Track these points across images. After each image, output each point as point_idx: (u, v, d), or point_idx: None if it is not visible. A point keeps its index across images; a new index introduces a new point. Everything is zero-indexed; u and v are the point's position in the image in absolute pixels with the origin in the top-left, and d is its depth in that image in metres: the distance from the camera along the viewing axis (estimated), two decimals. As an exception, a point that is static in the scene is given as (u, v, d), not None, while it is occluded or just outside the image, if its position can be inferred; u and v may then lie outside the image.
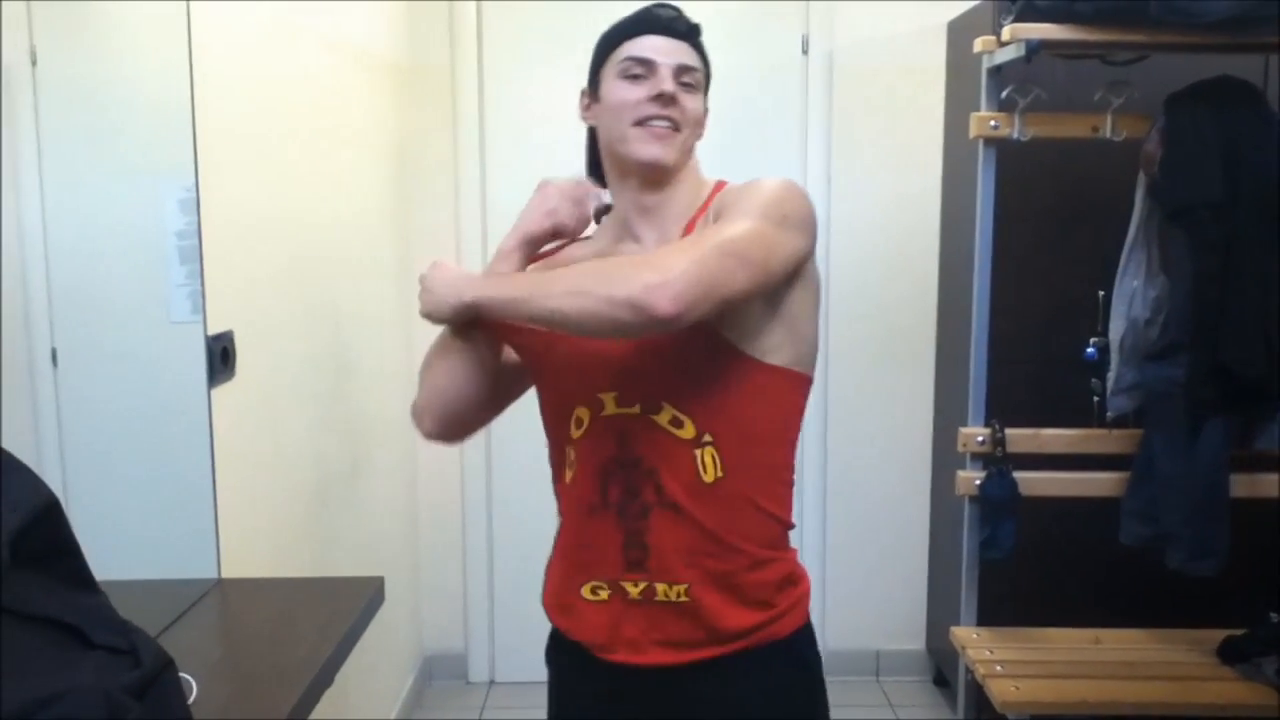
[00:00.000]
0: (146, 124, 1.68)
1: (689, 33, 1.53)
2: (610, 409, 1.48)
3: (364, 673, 2.83)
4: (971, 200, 2.67)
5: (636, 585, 1.48)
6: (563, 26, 3.40)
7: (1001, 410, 2.68)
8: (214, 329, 1.80)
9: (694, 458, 1.46)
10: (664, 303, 1.28)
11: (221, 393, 1.82)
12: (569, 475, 1.54)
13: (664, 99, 1.48)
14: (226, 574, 1.74)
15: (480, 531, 3.62)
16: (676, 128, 1.49)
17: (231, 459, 1.85)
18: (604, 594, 1.51)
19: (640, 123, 1.49)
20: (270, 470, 2.15)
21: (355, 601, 1.58)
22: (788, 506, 1.56)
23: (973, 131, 2.58)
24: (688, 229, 1.52)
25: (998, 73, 2.56)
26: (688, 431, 1.46)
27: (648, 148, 1.49)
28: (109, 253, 1.59)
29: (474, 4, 3.42)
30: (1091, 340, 2.62)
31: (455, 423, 1.62)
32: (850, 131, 3.43)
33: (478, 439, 3.51)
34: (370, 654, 2.85)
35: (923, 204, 3.43)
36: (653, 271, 1.31)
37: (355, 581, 1.70)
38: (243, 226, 2.00)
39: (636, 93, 1.49)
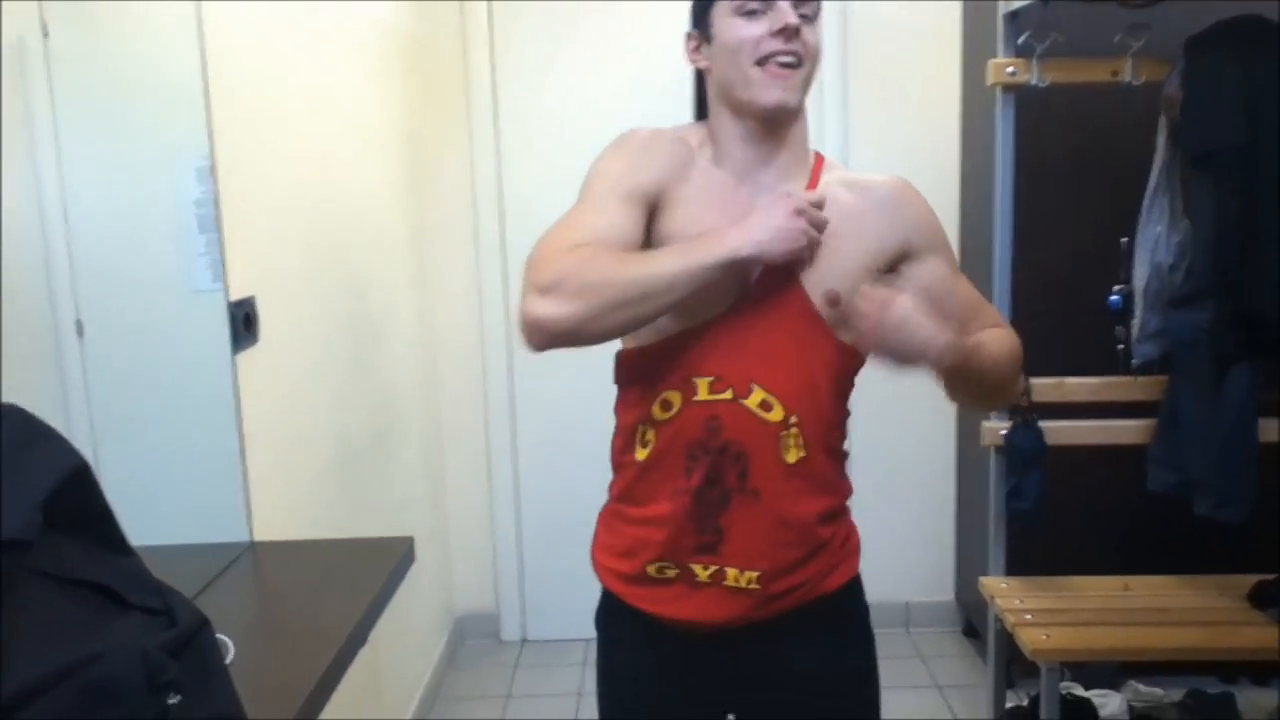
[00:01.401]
0: (161, 94, 1.68)
1: None
2: (703, 394, 1.46)
3: (397, 635, 2.87)
4: (991, 150, 2.64)
5: (706, 569, 1.48)
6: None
7: (1027, 360, 2.65)
8: (235, 295, 1.81)
9: (779, 440, 1.46)
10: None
11: (245, 358, 1.84)
12: (642, 453, 1.51)
13: (787, 33, 1.41)
14: (259, 538, 1.77)
15: (507, 492, 3.64)
16: (799, 63, 1.43)
17: (258, 423, 1.87)
18: (671, 573, 1.51)
19: (762, 61, 1.42)
20: (297, 434, 2.17)
21: (386, 561, 1.60)
22: (847, 479, 1.59)
23: (990, 79, 2.54)
24: (812, 182, 1.50)
25: (1014, 18, 2.52)
26: (776, 414, 1.45)
27: (770, 91, 1.43)
28: (129, 224, 1.60)
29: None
30: (1115, 288, 2.59)
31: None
32: (866, 84, 3.40)
33: (503, 400, 3.53)
34: (402, 617, 2.89)
35: (942, 155, 3.41)
36: None
37: (386, 542, 1.72)
38: (260, 194, 2.01)
39: (756, 29, 1.42)
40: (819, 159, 1.56)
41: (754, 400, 1.45)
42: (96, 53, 1.54)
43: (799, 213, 1.38)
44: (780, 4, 1.42)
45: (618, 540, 1.57)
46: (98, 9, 1.53)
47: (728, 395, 1.45)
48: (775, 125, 1.48)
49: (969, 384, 1.51)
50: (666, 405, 1.48)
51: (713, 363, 1.45)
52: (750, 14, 1.43)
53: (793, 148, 1.51)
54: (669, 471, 1.48)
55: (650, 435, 1.50)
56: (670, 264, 1.36)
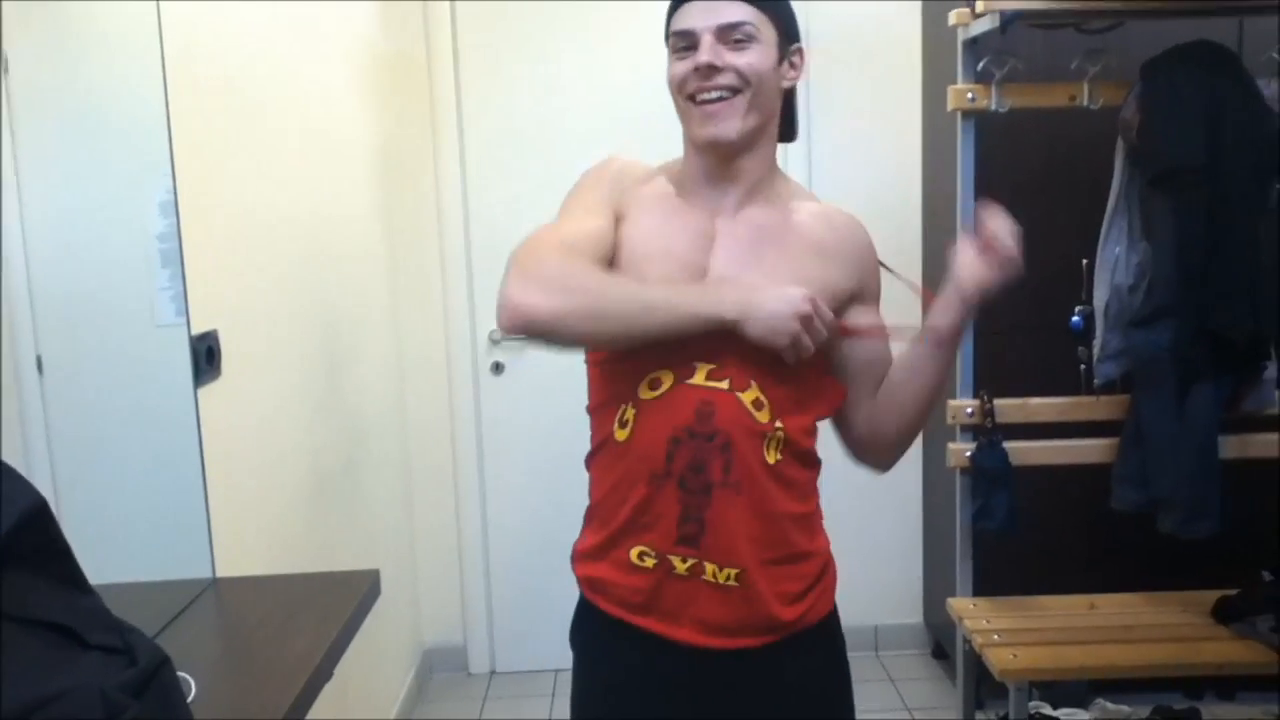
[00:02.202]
0: (123, 126, 1.66)
1: None
2: (699, 379, 1.45)
3: (365, 669, 2.83)
4: (953, 173, 2.67)
5: (685, 561, 1.47)
6: (538, 17, 3.40)
7: (990, 381, 2.69)
8: (198, 329, 1.79)
9: (763, 442, 1.46)
10: None
11: (208, 392, 1.82)
12: (622, 434, 1.49)
13: (702, 71, 1.43)
14: (222, 573, 1.74)
15: (475, 523, 3.62)
16: (734, 92, 1.44)
17: (222, 458, 1.84)
18: (650, 562, 1.49)
19: (692, 98, 1.46)
20: (262, 468, 2.15)
21: (351, 595, 1.58)
22: (816, 492, 1.61)
23: (951, 104, 2.58)
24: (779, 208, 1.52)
25: (974, 44, 2.56)
26: (764, 416, 1.46)
27: (703, 128, 1.46)
28: (91, 258, 1.57)
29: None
30: (1076, 308, 2.63)
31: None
32: (828, 108, 3.43)
33: (469, 429, 3.52)
34: (370, 650, 2.86)
35: (904, 179, 3.44)
36: None
37: (351, 575, 1.69)
38: (225, 226, 1.99)
39: (683, 67, 1.45)
40: (786, 178, 1.58)
41: (749, 396, 1.45)
42: (57, 85, 1.52)
43: (805, 318, 1.38)
44: (702, 40, 1.44)
45: (596, 532, 1.56)
46: (57, 41, 1.51)
47: (724, 385, 1.45)
48: (726, 155, 1.49)
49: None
50: (655, 384, 1.46)
51: (722, 351, 1.44)
52: (681, 51, 1.47)
53: (753, 172, 1.51)
54: (647, 455, 1.46)
55: (630, 414, 1.48)
56: (657, 295, 1.41)
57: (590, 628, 1.59)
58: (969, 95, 2.55)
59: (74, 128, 1.55)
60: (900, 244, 3.40)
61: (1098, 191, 2.58)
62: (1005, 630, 2.56)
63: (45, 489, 1.40)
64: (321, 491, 2.55)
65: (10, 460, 1.34)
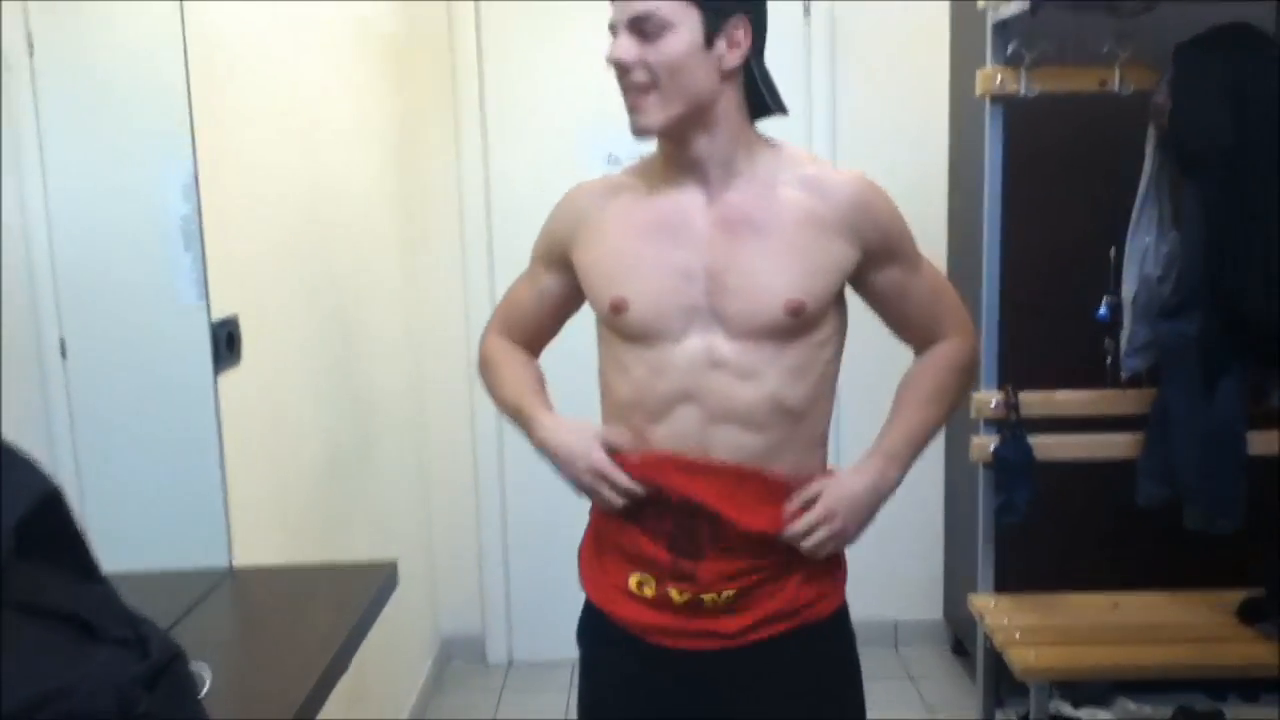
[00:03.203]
0: (147, 109, 1.66)
1: None
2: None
3: (382, 658, 2.82)
4: (979, 159, 2.63)
5: (682, 594, 1.49)
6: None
7: (1015, 373, 2.65)
8: (218, 314, 1.78)
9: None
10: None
11: (228, 378, 1.80)
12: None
13: (617, 67, 1.43)
14: (241, 560, 1.73)
15: (494, 513, 3.60)
16: (650, 85, 1.41)
17: (241, 446, 1.83)
18: (649, 591, 1.51)
19: (623, 92, 1.45)
20: (280, 456, 2.14)
21: (368, 587, 1.56)
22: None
23: (979, 89, 2.53)
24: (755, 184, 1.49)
25: (1003, 28, 2.52)
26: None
27: (631, 119, 1.45)
28: (115, 241, 1.58)
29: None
30: (1104, 299, 2.59)
31: None
32: (855, 93, 3.39)
33: (489, 417, 3.50)
34: (387, 639, 2.85)
35: (931, 165, 3.40)
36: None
37: (368, 567, 1.68)
38: (245, 211, 1.98)
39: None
40: (777, 151, 1.52)
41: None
42: (82, 67, 1.52)
43: (599, 478, 1.50)
44: (618, 32, 1.43)
45: (594, 554, 1.60)
46: (84, 22, 1.51)
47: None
48: (674, 140, 1.48)
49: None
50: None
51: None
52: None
53: (719, 153, 1.47)
54: (641, 505, 1.51)
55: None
56: (508, 405, 1.65)
57: (594, 634, 1.62)
58: (997, 79, 2.50)
59: (100, 109, 1.55)
60: (925, 231, 3.32)
61: (1127, 179, 2.53)
62: (1026, 628, 2.53)
63: (68, 474, 1.41)
64: (339, 480, 2.53)
65: (34, 444, 1.34)
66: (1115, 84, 2.48)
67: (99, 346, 1.50)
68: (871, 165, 3.27)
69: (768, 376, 1.46)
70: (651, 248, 1.48)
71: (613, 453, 1.51)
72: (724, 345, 1.45)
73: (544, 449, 1.57)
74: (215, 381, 1.73)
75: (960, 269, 3.19)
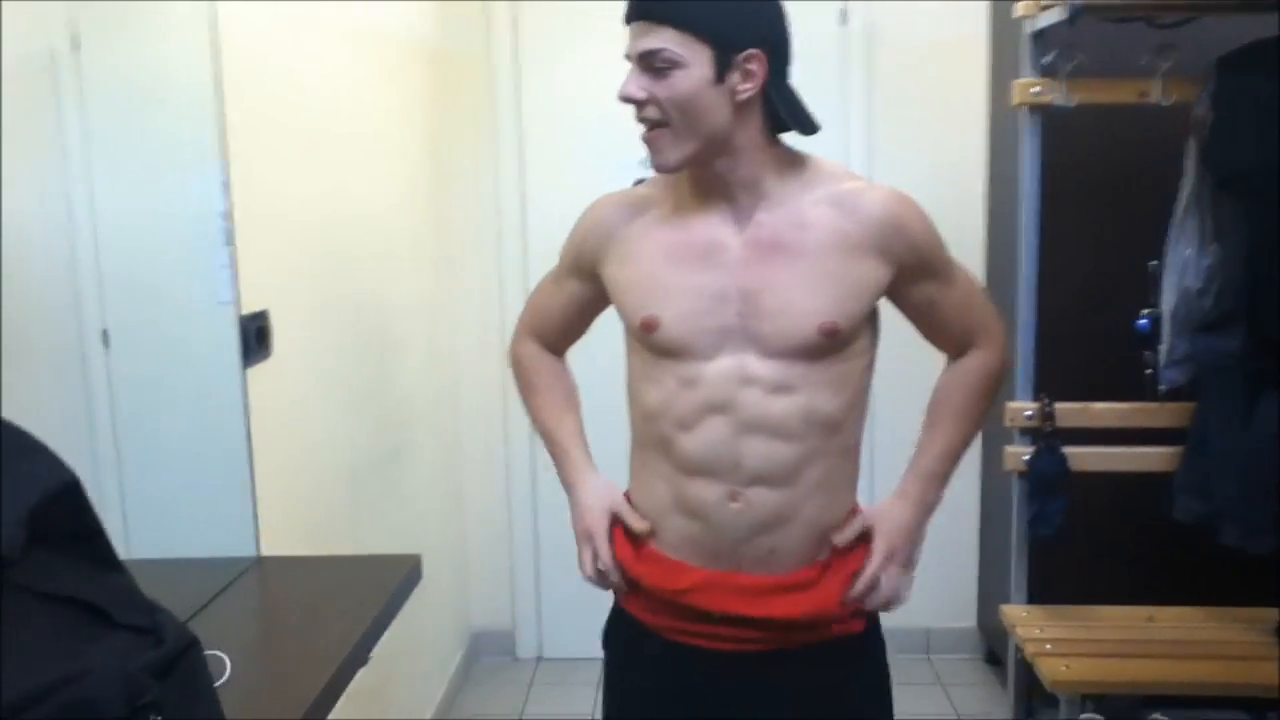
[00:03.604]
0: (186, 106, 1.69)
1: (645, 7, 1.40)
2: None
3: (412, 649, 2.85)
4: (1017, 171, 2.61)
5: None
6: (597, 11, 3.37)
7: (1051, 384, 2.63)
8: (250, 309, 1.81)
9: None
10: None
11: (258, 372, 1.83)
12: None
13: (634, 104, 1.42)
14: (269, 552, 1.76)
15: (525, 508, 3.63)
16: (663, 121, 1.41)
17: (270, 439, 1.86)
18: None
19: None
20: (309, 450, 2.17)
21: (391, 579, 1.58)
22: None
23: (1015, 99, 2.51)
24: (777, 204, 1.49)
25: (1041, 37, 2.49)
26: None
27: (650, 157, 1.46)
28: (155, 235, 1.61)
29: (510, -15, 3.41)
30: (1143, 312, 2.55)
31: None
32: (892, 103, 3.37)
33: (521, 418, 3.51)
34: (418, 632, 2.88)
35: (968, 176, 3.37)
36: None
37: (392, 559, 1.70)
38: (279, 210, 2.01)
39: None
40: (808, 168, 1.50)
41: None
42: (126, 64, 1.55)
43: (586, 541, 1.62)
44: (632, 67, 1.42)
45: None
46: (128, 20, 1.54)
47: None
48: (696, 168, 1.47)
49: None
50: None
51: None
52: None
53: (744, 178, 1.46)
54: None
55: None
56: (544, 430, 1.73)
57: (621, 637, 1.65)
58: (1034, 90, 2.48)
59: (143, 105, 1.59)
60: (962, 241, 3.32)
61: (1167, 192, 2.49)
62: (1058, 640, 2.51)
63: (108, 461, 1.44)
64: (369, 474, 2.56)
65: (76, 434, 1.38)
66: (1155, 96, 2.45)
67: (139, 337, 1.53)
68: (908, 174, 3.34)
69: (801, 390, 1.46)
70: (684, 270, 1.47)
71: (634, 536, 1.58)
72: (756, 364, 1.45)
73: (567, 488, 1.66)
74: (244, 373, 1.76)
75: (998, 279, 3.17)
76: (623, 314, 1.55)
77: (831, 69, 3.35)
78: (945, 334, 1.61)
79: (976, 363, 1.62)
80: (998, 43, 3.23)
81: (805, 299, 1.43)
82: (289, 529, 1.94)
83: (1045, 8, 2.39)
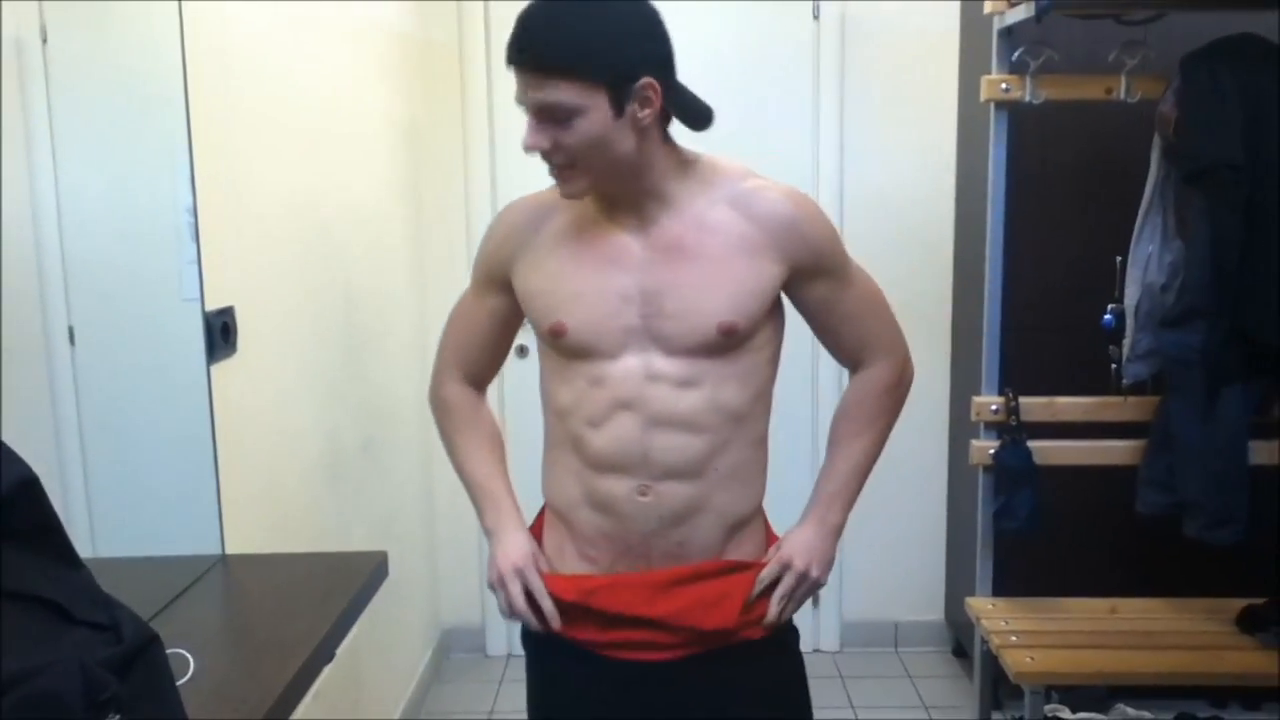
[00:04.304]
0: (154, 100, 1.67)
1: (535, 60, 1.40)
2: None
3: (381, 647, 2.84)
4: (986, 166, 2.63)
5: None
6: None
7: (1018, 378, 2.65)
8: (216, 304, 1.79)
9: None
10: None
11: (223, 368, 1.82)
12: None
13: (540, 154, 1.44)
14: (234, 550, 1.75)
15: (496, 506, 3.61)
16: (570, 163, 1.43)
17: (236, 435, 1.85)
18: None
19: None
20: (278, 446, 2.15)
21: (357, 576, 1.57)
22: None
23: (984, 95, 2.53)
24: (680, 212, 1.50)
25: (1009, 34, 2.51)
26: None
27: (558, 187, 1.49)
28: (123, 230, 1.60)
29: (481, -24, 3.39)
30: (1109, 307, 2.58)
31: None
32: (863, 97, 3.38)
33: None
34: (387, 629, 2.87)
35: (937, 170, 3.39)
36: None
37: (358, 556, 1.70)
38: (246, 203, 1.99)
39: None
40: (708, 169, 1.52)
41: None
42: (94, 57, 1.54)
43: (500, 584, 1.63)
44: (528, 118, 1.43)
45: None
46: (96, 13, 1.52)
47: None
48: (603, 195, 1.51)
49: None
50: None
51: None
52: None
53: (649, 187, 1.49)
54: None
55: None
56: (473, 477, 1.74)
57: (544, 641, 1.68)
58: (1003, 86, 2.50)
59: (110, 99, 1.57)
60: (931, 236, 3.36)
61: (1133, 187, 2.52)
62: (1023, 632, 2.53)
63: (73, 459, 1.42)
64: (339, 470, 2.55)
65: (40, 430, 1.36)
66: (1122, 92, 2.47)
67: (105, 334, 1.52)
68: (880, 169, 3.36)
69: (706, 383, 1.50)
70: (590, 274, 1.50)
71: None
72: (661, 361, 1.49)
73: (490, 533, 1.68)
74: (209, 370, 1.75)
75: (966, 273, 3.19)
76: (532, 320, 1.58)
77: (804, 65, 3.35)
78: (841, 340, 1.63)
79: (873, 375, 1.64)
80: (969, 39, 3.24)
81: (705, 300, 1.47)
82: (259, 526, 1.93)
83: (1014, 4, 2.41)
